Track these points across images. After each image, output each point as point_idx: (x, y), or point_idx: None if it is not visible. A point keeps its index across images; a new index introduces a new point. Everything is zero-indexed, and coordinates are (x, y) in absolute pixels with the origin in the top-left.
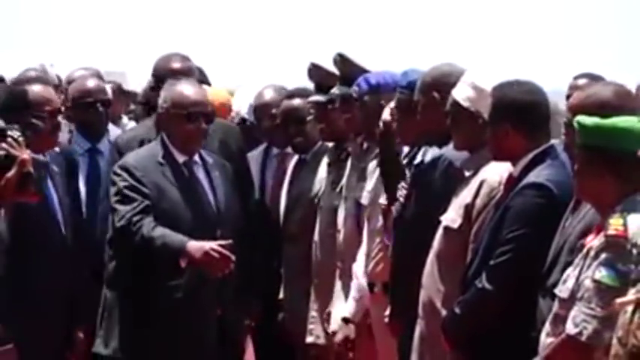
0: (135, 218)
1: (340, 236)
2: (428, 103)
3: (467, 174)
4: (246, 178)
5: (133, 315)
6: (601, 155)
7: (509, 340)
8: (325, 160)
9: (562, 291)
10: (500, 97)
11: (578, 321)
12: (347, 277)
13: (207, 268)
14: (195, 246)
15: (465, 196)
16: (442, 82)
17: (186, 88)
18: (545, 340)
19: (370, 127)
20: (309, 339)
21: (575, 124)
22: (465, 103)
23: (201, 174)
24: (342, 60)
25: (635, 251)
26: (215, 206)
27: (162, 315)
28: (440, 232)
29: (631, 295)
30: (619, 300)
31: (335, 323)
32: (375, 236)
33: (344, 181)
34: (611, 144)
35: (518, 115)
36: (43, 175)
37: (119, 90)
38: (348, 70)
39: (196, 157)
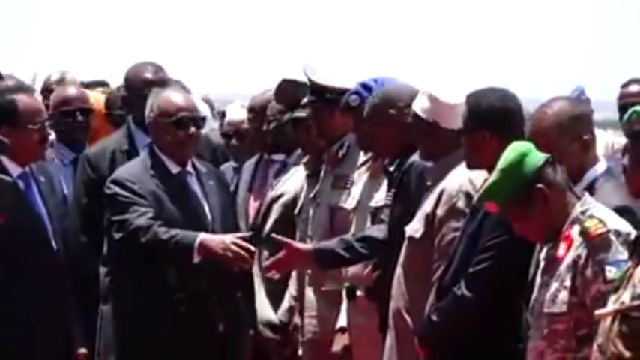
0: (144, 224)
1: (312, 243)
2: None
3: (428, 184)
4: None
5: (133, 330)
6: (527, 195)
7: (487, 349)
8: (299, 169)
9: (554, 307)
10: (477, 104)
11: None
12: (318, 284)
13: (226, 261)
14: (214, 239)
15: (426, 205)
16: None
17: (173, 95)
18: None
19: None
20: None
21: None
22: (423, 114)
23: (194, 184)
24: (287, 85)
25: (621, 239)
26: (210, 217)
27: (164, 330)
28: (405, 242)
29: (610, 305)
30: (597, 312)
31: (309, 332)
32: None
33: (317, 188)
34: (527, 178)
35: (495, 121)
36: (12, 195)
37: None
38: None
39: (189, 167)
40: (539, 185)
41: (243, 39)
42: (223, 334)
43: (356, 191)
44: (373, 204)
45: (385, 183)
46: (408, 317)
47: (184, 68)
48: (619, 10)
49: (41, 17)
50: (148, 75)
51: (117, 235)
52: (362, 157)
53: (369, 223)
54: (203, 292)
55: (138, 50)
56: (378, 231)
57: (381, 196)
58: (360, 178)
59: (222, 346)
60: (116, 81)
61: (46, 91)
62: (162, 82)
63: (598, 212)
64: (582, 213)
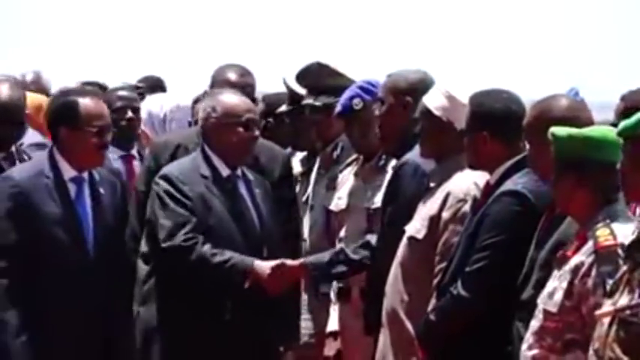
0: (187, 237)
1: (305, 245)
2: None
3: (432, 184)
4: (292, 207)
5: (173, 334)
6: (574, 166)
7: (483, 348)
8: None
9: (549, 304)
10: (478, 104)
11: None
12: (312, 288)
13: (269, 287)
14: (263, 265)
15: (430, 207)
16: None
17: (235, 97)
18: (527, 352)
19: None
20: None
21: (550, 136)
22: (438, 112)
23: (243, 189)
24: (323, 70)
25: (625, 253)
26: (259, 224)
27: (204, 337)
28: (404, 241)
29: (608, 306)
30: (598, 312)
31: (305, 335)
32: (354, 240)
33: (309, 190)
34: (584, 155)
35: (496, 122)
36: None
37: None
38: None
39: (238, 172)
40: (579, 172)
41: (244, 38)
42: (266, 344)
43: (343, 192)
44: (373, 206)
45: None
46: (404, 316)
47: (185, 67)
48: (619, 11)
49: (34, 14)
50: (232, 76)
51: (165, 244)
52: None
53: (365, 225)
54: (250, 301)
55: (135, 50)
56: (355, 253)
57: (379, 198)
58: (346, 179)
59: (263, 355)
60: (113, 82)
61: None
62: (247, 86)
63: (615, 223)
64: (604, 219)
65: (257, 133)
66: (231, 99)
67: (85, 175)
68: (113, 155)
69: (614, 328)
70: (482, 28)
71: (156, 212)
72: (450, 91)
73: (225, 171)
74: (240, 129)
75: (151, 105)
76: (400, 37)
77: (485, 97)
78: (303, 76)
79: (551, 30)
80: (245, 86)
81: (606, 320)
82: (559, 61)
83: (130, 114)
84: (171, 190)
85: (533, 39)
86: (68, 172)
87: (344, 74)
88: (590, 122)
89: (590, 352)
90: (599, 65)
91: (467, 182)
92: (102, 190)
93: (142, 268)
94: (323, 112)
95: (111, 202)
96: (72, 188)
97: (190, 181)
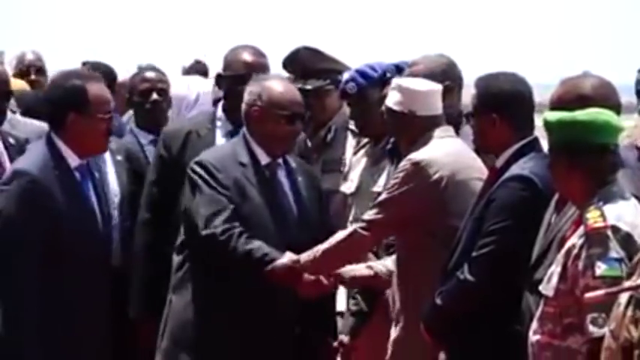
0: (225, 228)
1: None
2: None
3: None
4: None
5: (201, 322)
6: (567, 150)
7: (491, 332)
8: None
9: (547, 289)
10: (487, 87)
11: (601, 322)
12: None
13: (296, 288)
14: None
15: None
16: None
17: (282, 86)
18: (533, 337)
19: (368, 119)
20: None
21: (541, 121)
22: (397, 107)
23: (283, 177)
24: (312, 54)
25: (618, 236)
26: (296, 212)
27: (233, 325)
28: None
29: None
30: (587, 295)
31: None
32: None
33: None
34: (575, 138)
35: (505, 104)
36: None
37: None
38: (313, 64)
39: (279, 160)
40: (570, 156)
41: (250, 26)
42: (300, 337)
43: (354, 175)
44: (377, 188)
45: (387, 167)
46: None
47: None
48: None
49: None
50: (248, 58)
51: (203, 232)
52: (351, 141)
53: None
54: (279, 291)
55: (131, 37)
56: None
57: (383, 181)
58: (359, 162)
59: (298, 350)
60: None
61: (23, 71)
62: (264, 68)
63: (609, 205)
64: (597, 201)
65: (299, 126)
66: (279, 88)
67: (85, 162)
68: (144, 140)
69: (630, 308)
70: (488, 14)
71: (193, 199)
72: (400, 84)
73: (264, 159)
74: (283, 121)
75: (177, 87)
76: (401, 27)
77: (492, 79)
78: (290, 62)
79: (557, 16)
80: (263, 68)
81: (623, 301)
82: (565, 47)
83: (154, 96)
84: (207, 177)
85: (542, 24)
86: (74, 160)
87: (332, 57)
88: (617, 104)
89: (607, 332)
90: (605, 51)
91: (432, 150)
92: (97, 174)
93: (175, 258)
94: (314, 96)
95: (103, 186)
96: (77, 177)
97: (226, 168)
